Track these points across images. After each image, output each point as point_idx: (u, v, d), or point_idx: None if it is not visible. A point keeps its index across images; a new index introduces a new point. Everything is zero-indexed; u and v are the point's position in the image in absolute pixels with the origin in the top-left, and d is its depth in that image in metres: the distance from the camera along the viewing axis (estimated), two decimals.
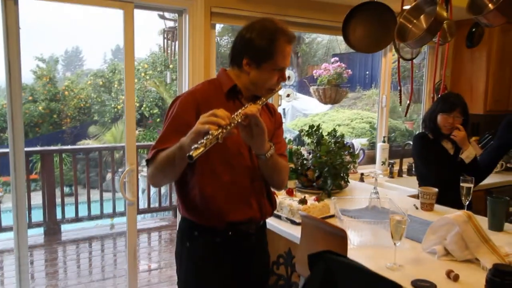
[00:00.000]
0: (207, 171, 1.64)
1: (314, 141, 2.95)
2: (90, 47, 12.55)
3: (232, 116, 1.41)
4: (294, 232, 2.16)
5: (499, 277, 1.33)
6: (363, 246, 1.95)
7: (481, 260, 1.71)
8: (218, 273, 1.72)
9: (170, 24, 5.66)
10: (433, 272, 1.67)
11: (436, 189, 2.53)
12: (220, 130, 1.32)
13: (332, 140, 2.96)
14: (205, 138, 1.30)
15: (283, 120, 2.34)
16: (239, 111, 1.44)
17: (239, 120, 1.42)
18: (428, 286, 1.54)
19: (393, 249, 1.77)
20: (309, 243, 1.85)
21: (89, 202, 5.26)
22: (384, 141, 3.88)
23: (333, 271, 1.46)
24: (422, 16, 2.48)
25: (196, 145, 1.27)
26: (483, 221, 2.19)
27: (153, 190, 5.73)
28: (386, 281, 1.32)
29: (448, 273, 1.63)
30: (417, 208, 2.56)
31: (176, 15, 2.85)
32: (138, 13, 2.62)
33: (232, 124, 1.39)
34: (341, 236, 1.68)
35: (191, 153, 1.25)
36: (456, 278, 1.61)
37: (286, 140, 2.93)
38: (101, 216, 5.30)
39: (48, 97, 9.54)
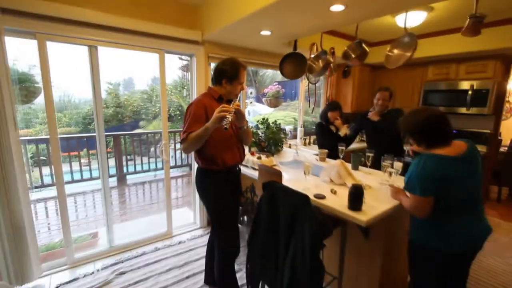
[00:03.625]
0: (214, 141, 1.59)
1: (265, 127, 2.93)
2: (138, 76, 11.90)
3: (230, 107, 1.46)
4: (255, 174, 2.14)
5: (354, 189, 1.45)
6: (290, 179, 1.96)
7: (347, 183, 1.79)
8: (227, 189, 1.71)
9: (185, 62, 5.48)
10: (324, 191, 1.72)
11: (327, 150, 2.58)
12: (229, 115, 1.42)
13: (275, 126, 2.96)
14: (225, 119, 1.41)
15: (248, 115, 2.33)
16: (231, 105, 1.48)
17: (234, 109, 1.46)
18: (321, 196, 1.60)
19: (304, 180, 1.83)
20: (262, 179, 1.80)
21: (142, 162, 5.11)
22: (301, 127, 3.92)
23: (275, 191, 1.47)
24: (320, 60, 2.48)
25: (225, 122, 1.40)
26: (349, 165, 2.33)
27: (177, 155, 5.63)
28: (302, 194, 1.34)
29: (331, 190, 1.71)
30: (317, 160, 2.59)
31: (189, 57, 2.76)
32: (166, 56, 2.51)
33: (233, 112, 1.45)
34: (279, 174, 1.68)
35: (226, 126, 1.40)
36: (335, 192, 1.68)
37: (252, 129, 2.91)
38: (149, 170, 5.13)
39: (115, 105, 9.06)
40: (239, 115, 1.55)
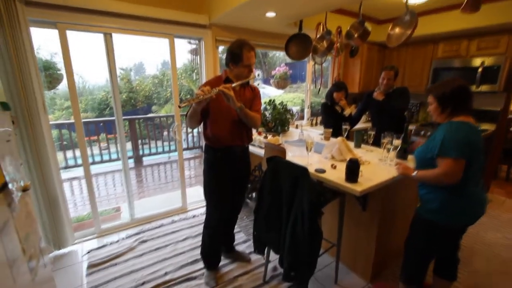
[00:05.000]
0: (215, 121, 1.67)
1: (271, 107, 3.01)
2: (148, 61, 11.96)
3: (213, 89, 1.49)
4: (262, 152, 2.25)
5: (350, 163, 1.57)
6: (294, 156, 2.05)
7: (347, 159, 1.91)
8: (220, 168, 1.75)
9: (194, 46, 5.54)
10: (325, 166, 1.84)
11: (331, 129, 2.65)
12: (202, 95, 1.45)
13: (281, 107, 3.03)
14: (192, 98, 1.45)
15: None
16: (217, 87, 1.50)
17: (216, 91, 1.49)
18: (322, 171, 1.72)
19: (307, 157, 1.93)
20: (267, 155, 1.90)
21: (156, 146, 5.31)
22: (308, 107, 3.98)
23: (278, 165, 1.59)
24: (324, 41, 2.49)
25: (184, 100, 1.42)
26: (351, 143, 2.41)
27: (189, 138, 5.82)
28: (301, 166, 1.46)
29: (332, 166, 1.84)
30: (322, 139, 2.65)
31: (197, 41, 2.84)
32: (176, 41, 2.59)
33: (212, 93, 1.47)
34: (282, 151, 1.79)
35: (180, 105, 1.43)
36: (335, 167, 1.81)
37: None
38: (163, 152, 5.36)
39: (127, 90, 9.29)
40: (225, 96, 1.53)
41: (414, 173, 1.43)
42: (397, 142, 1.90)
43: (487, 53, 3.04)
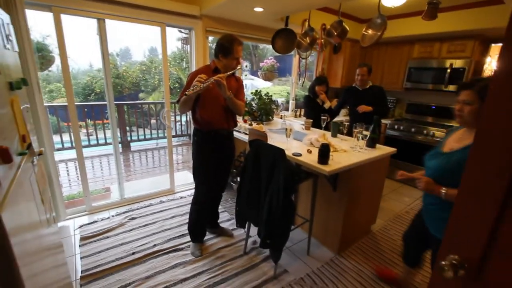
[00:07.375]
0: (204, 106, 1.83)
1: (257, 98, 3.18)
2: (135, 47, 11.73)
3: (209, 78, 1.66)
4: (246, 138, 2.39)
5: (322, 147, 1.80)
6: (275, 142, 2.15)
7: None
8: (208, 149, 1.91)
9: (185, 35, 5.57)
10: (302, 150, 2.04)
11: (311, 120, 2.87)
12: (200, 84, 1.63)
13: (266, 98, 3.21)
14: (193, 87, 1.63)
15: (245, 88, 2.52)
16: (213, 77, 1.68)
17: (212, 80, 1.66)
18: (298, 154, 1.91)
19: (287, 143, 2.15)
20: (250, 139, 2.19)
21: (144, 133, 5.39)
22: (293, 100, 4.16)
23: (259, 147, 1.79)
24: (307, 37, 2.70)
25: (189, 90, 1.63)
26: (329, 133, 2.66)
27: (177, 126, 5.92)
28: (279, 148, 1.65)
29: (308, 150, 2.04)
30: (303, 129, 2.85)
31: (188, 30, 2.96)
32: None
33: (208, 82, 1.65)
34: (264, 135, 1.96)
35: (186, 93, 1.62)
36: (310, 152, 2.01)
37: (247, 100, 3.16)
38: (151, 139, 5.41)
39: (113, 76, 9.16)
40: (218, 85, 1.70)
41: (444, 191, 1.15)
42: (366, 132, 2.15)
43: (455, 56, 3.35)
